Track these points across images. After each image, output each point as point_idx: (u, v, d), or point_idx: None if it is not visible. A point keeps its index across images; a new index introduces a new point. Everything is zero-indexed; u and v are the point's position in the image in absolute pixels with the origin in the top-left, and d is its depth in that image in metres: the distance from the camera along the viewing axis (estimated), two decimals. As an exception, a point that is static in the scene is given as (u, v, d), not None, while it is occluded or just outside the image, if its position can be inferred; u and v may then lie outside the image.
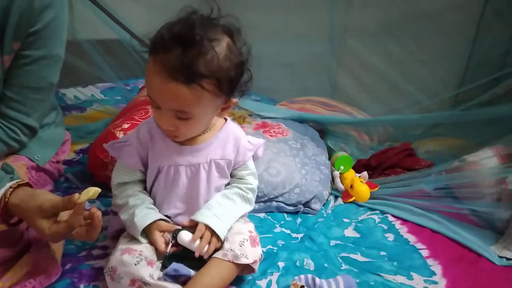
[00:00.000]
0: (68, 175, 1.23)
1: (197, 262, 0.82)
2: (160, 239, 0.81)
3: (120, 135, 1.17)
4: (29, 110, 0.96)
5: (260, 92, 2.13)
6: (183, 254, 0.81)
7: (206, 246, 0.80)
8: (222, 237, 0.82)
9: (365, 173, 1.34)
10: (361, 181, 1.31)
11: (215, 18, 0.73)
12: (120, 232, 0.88)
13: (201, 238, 0.80)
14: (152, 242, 0.81)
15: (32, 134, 1.00)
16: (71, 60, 1.62)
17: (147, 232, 0.82)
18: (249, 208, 0.92)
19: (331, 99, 1.92)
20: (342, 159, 1.38)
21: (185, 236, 0.80)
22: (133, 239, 0.82)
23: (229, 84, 0.75)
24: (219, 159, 0.87)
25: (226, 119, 0.91)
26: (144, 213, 0.82)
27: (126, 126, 1.21)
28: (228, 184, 0.92)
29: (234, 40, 0.75)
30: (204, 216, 0.83)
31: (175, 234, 0.81)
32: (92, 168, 1.18)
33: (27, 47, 0.90)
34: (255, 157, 0.95)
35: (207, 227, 0.82)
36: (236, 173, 0.92)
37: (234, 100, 0.82)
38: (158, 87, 0.71)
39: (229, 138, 0.88)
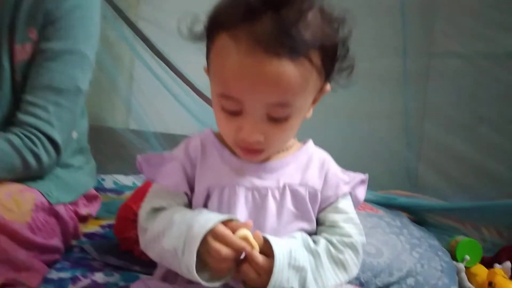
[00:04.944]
0: (86, 246, 0.94)
1: None
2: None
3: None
4: (51, 117, 0.79)
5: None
6: None
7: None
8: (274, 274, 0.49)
9: (508, 263, 0.92)
10: (503, 276, 0.88)
11: None
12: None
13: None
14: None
15: (54, 151, 0.80)
16: (120, 148, 1.55)
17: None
18: (343, 275, 0.56)
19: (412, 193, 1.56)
20: (466, 244, 0.98)
21: None
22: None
23: (333, 58, 0.55)
24: (297, 184, 0.58)
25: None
26: (208, 216, 0.53)
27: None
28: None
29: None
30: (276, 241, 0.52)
31: None
32: (120, 227, 0.91)
33: (46, 39, 0.80)
34: (354, 200, 0.64)
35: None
36: (324, 216, 0.61)
37: (328, 87, 0.59)
38: (249, 72, 0.49)
39: (312, 159, 0.62)
